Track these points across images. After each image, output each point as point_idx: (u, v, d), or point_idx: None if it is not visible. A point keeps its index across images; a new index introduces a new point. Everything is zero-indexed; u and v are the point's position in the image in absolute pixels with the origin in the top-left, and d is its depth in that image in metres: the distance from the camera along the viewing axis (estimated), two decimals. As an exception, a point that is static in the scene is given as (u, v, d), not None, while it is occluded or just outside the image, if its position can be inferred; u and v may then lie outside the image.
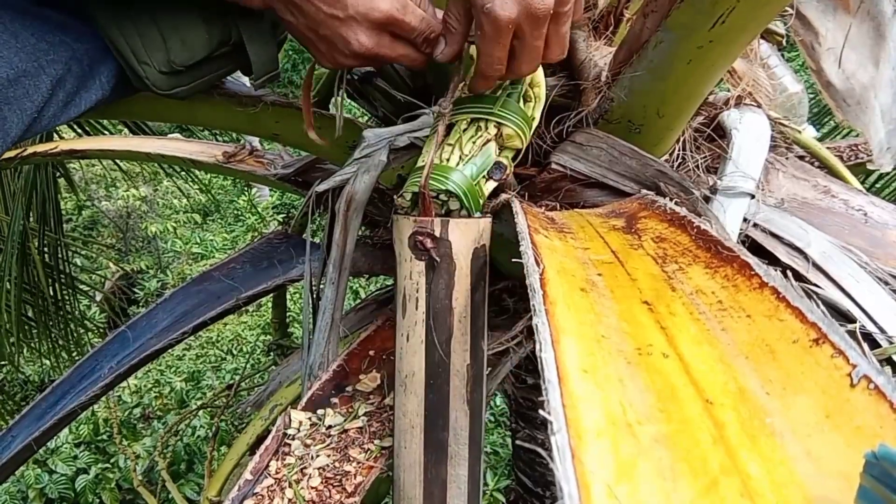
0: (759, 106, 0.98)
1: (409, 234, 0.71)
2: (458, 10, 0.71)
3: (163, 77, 0.77)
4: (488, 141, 0.75)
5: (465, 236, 0.70)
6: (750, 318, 0.47)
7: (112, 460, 3.53)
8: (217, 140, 2.34)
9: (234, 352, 4.99)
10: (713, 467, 0.36)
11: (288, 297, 3.39)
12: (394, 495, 0.81)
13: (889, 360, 0.70)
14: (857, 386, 0.38)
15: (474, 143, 0.74)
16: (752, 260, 0.52)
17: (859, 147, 1.35)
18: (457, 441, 0.76)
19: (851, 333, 0.41)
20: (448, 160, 0.73)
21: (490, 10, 0.65)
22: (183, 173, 2.93)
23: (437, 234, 0.69)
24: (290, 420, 0.84)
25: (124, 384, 4.12)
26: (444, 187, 0.70)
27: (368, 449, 0.80)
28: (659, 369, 0.44)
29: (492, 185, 0.76)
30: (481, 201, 0.74)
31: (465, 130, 0.75)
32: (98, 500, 3.36)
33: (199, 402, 3.68)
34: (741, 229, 0.87)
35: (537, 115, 0.80)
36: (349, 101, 1.24)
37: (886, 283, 0.82)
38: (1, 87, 0.64)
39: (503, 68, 0.71)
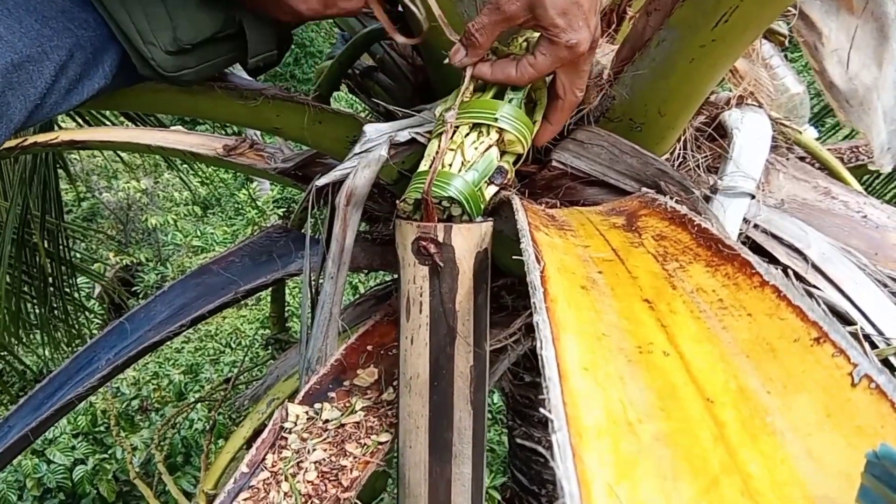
0: (761, 106, 0.98)
1: (412, 239, 0.71)
2: (487, 29, 0.74)
3: (169, 58, 0.76)
4: (490, 146, 0.75)
5: (468, 241, 0.71)
6: (751, 317, 0.47)
7: (110, 451, 3.54)
8: (220, 133, 2.34)
9: (233, 345, 5.00)
10: (714, 466, 0.35)
11: (287, 291, 3.39)
12: (399, 493, 0.81)
13: (886, 362, 0.70)
14: (858, 385, 0.38)
15: (476, 148, 0.75)
16: (753, 258, 0.52)
17: (860, 149, 1.35)
18: (461, 440, 0.76)
19: (852, 334, 0.41)
20: (450, 165, 0.73)
21: (576, 45, 0.71)
22: (184, 166, 2.92)
23: (441, 239, 0.70)
24: (288, 414, 0.84)
25: (123, 376, 4.12)
26: (445, 194, 0.71)
27: (365, 444, 0.80)
28: (659, 367, 0.44)
29: (493, 189, 0.76)
30: (483, 206, 0.74)
31: (466, 135, 0.76)
32: (95, 491, 3.37)
33: (197, 395, 3.68)
34: (741, 229, 0.87)
35: (539, 119, 0.81)
36: (350, 95, 1.24)
37: (885, 286, 0.82)
38: (5, 73, 0.63)
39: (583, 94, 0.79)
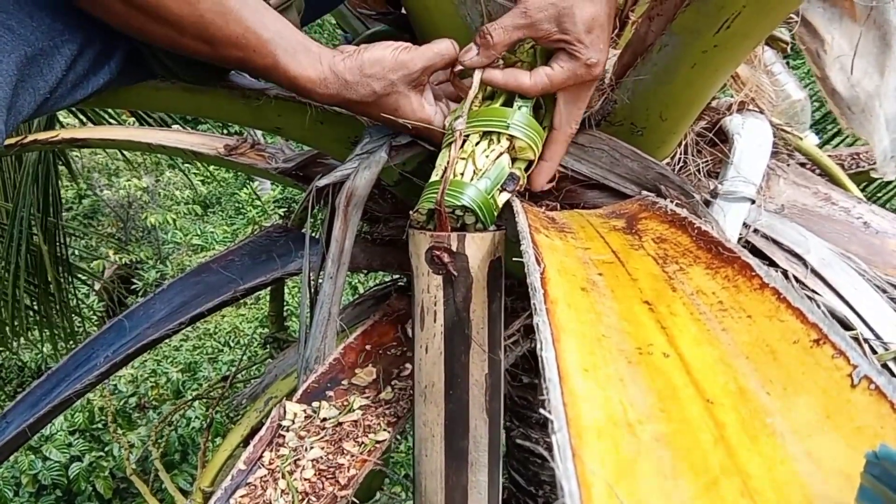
0: (762, 112, 0.98)
1: (425, 248, 0.71)
2: (507, 32, 0.73)
3: (186, 65, 0.77)
4: (501, 154, 0.75)
5: (482, 250, 0.71)
6: (750, 319, 0.47)
7: (106, 449, 3.54)
8: (223, 133, 2.34)
9: (231, 344, 5.00)
10: (713, 467, 0.36)
11: (286, 290, 3.39)
12: (415, 501, 0.81)
13: (885, 367, 0.70)
14: (857, 386, 0.38)
15: (487, 156, 0.75)
16: (753, 261, 0.52)
17: (860, 156, 1.35)
18: (476, 448, 0.76)
19: (852, 337, 0.41)
20: (462, 174, 0.73)
21: (595, 64, 0.73)
22: (185, 165, 2.92)
23: (454, 248, 0.70)
24: (286, 412, 0.84)
25: (121, 373, 4.12)
26: (459, 203, 0.71)
27: (362, 442, 0.80)
28: (659, 369, 0.44)
29: (505, 196, 0.76)
30: (496, 213, 0.74)
31: (477, 144, 0.76)
32: (91, 488, 3.36)
33: (194, 393, 3.68)
34: (741, 234, 0.87)
35: (548, 124, 0.81)
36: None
37: (884, 291, 0.82)
38: (19, 65, 0.63)
39: None
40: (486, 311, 0.73)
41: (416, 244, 0.73)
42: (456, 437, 0.76)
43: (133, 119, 2.48)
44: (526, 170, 0.79)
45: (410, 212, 0.75)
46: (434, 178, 0.75)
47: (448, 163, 0.73)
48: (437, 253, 0.70)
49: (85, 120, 2.44)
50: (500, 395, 0.77)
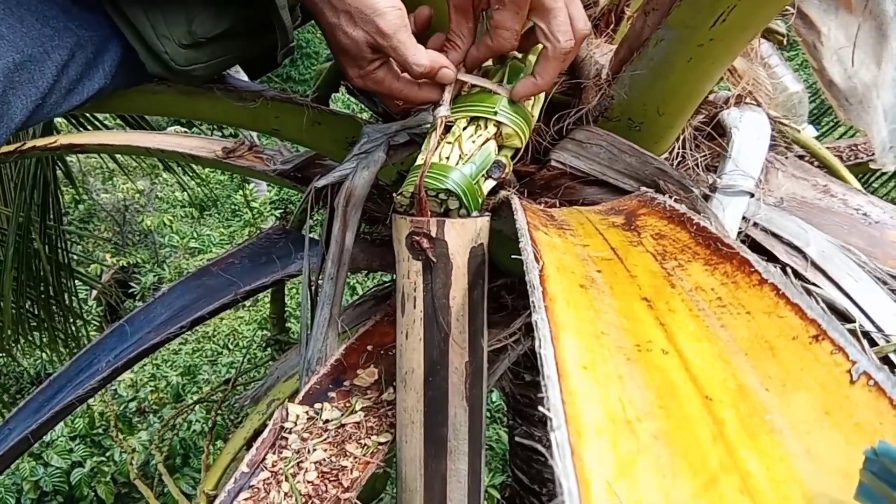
0: (760, 105, 0.98)
1: (406, 233, 0.71)
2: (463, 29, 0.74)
3: (182, 51, 0.76)
4: (488, 140, 0.75)
5: (462, 236, 0.70)
6: (749, 315, 0.47)
7: (108, 454, 3.53)
8: (219, 135, 2.34)
9: (231, 346, 4.99)
10: (712, 464, 0.36)
11: (286, 292, 3.39)
12: (397, 488, 0.81)
13: (886, 359, 0.70)
14: (856, 382, 0.38)
15: (474, 141, 0.74)
16: (752, 257, 0.52)
17: (859, 147, 1.35)
18: (456, 436, 0.76)
19: (851, 332, 0.41)
20: (447, 158, 0.73)
21: None
22: (181, 168, 2.92)
23: (434, 234, 0.69)
24: (288, 414, 0.84)
25: (120, 378, 4.12)
26: (443, 186, 0.70)
27: (365, 444, 0.80)
28: (658, 366, 0.44)
29: (491, 183, 0.76)
30: (480, 200, 0.74)
31: (464, 129, 0.76)
32: (93, 494, 3.36)
33: (195, 397, 3.68)
34: (741, 228, 0.87)
35: (536, 113, 0.81)
36: (349, 97, 1.24)
37: (885, 283, 0.82)
38: (7, 72, 0.63)
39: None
40: (468, 299, 0.72)
41: (397, 228, 0.73)
42: (435, 425, 0.76)
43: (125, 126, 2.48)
44: (513, 158, 0.79)
45: (394, 195, 0.75)
46: (418, 162, 0.75)
47: (430, 150, 0.73)
48: (417, 238, 0.70)
49: (78, 125, 2.44)
50: (481, 384, 0.76)
